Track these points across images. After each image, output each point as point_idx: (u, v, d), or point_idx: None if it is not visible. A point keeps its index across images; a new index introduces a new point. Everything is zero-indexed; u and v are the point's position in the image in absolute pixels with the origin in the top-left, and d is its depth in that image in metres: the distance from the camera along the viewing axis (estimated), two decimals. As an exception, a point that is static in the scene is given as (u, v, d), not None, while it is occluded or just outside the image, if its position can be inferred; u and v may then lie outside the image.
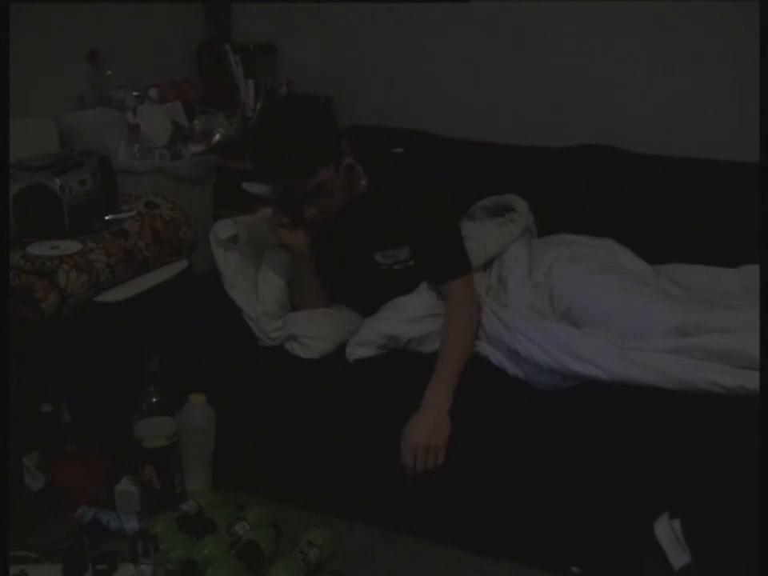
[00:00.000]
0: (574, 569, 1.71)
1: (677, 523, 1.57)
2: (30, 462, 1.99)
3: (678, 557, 1.54)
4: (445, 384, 1.79)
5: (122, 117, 2.52)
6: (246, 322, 1.98)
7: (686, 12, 2.33)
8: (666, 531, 1.57)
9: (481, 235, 2.05)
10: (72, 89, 2.54)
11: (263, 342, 1.95)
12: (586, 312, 1.82)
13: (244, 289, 2.01)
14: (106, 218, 2.14)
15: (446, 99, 2.72)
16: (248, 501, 1.90)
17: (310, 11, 2.86)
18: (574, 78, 2.53)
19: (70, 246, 1.98)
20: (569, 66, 2.53)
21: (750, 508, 1.35)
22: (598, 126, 2.46)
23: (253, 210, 2.25)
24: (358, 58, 2.83)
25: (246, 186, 2.08)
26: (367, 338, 1.89)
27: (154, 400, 1.86)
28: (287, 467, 1.96)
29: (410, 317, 1.89)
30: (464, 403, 1.78)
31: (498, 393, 1.79)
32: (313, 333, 1.93)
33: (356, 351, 1.89)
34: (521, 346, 1.75)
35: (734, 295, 1.94)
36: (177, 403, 1.91)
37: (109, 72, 2.57)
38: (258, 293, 1.99)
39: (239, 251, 2.06)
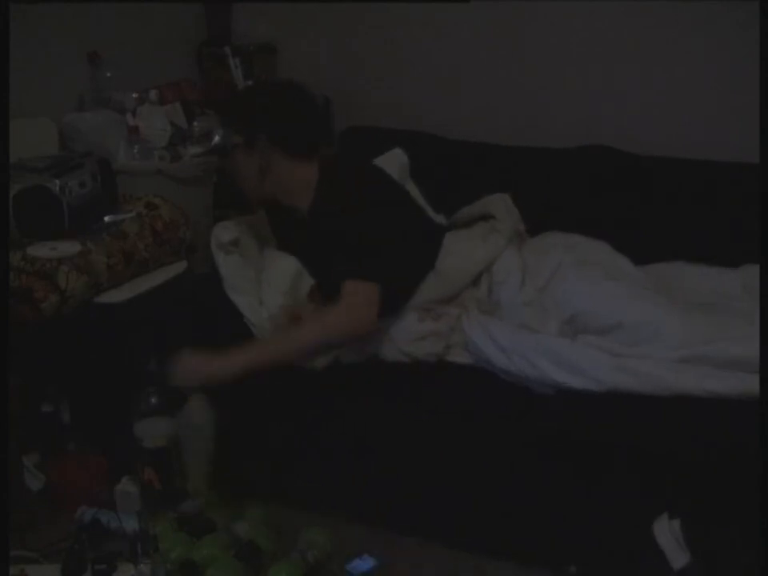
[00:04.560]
0: (573, 569, 1.71)
1: (676, 523, 1.57)
2: (29, 461, 1.99)
3: (678, 557, 1.54)
4: (244, 356, 1.81)
5: (121, 118, 2.52)
6: (246, 323, 1.98)
7: (686, 12, 2.33)
8: (666, 531, 1.57)
9: (468, 250, 2.02)
10: (72, 89, 2.53)
11: (263, 344, 1.95)
12: (594, 319, 1.82)
13: (245, 292, 2.01)
14: (106, 219, 2.14)
15: (446, 99, 2.72)
16: (248, 501, 1.90)
17: (309, 11, 2.85)
18: (574, 78, 2.53)
19: (70, 247, 1.99)
20: (568, 66, 2.53)
21: (749, 508, 1.35)
22: (597, 126, 2.46)
23: (253, 210, 2.25)
24: (358, 58, 2.82)
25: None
26: None
27: (153, 400, 1.87)
28: (287, 467, 1.96)
29: (402, 348, 1.89)
30: (464, 404, 1.78)
31: (498, 394, 1.79)
32: None
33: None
34: (514, 366, 1.76)
35: (736, 296, 1.94)
36: (177, 403, 1.91)
37: (109, 73, 2.57)
38: (261, 295, 1.99)
39: (239, 254, 2.05)
